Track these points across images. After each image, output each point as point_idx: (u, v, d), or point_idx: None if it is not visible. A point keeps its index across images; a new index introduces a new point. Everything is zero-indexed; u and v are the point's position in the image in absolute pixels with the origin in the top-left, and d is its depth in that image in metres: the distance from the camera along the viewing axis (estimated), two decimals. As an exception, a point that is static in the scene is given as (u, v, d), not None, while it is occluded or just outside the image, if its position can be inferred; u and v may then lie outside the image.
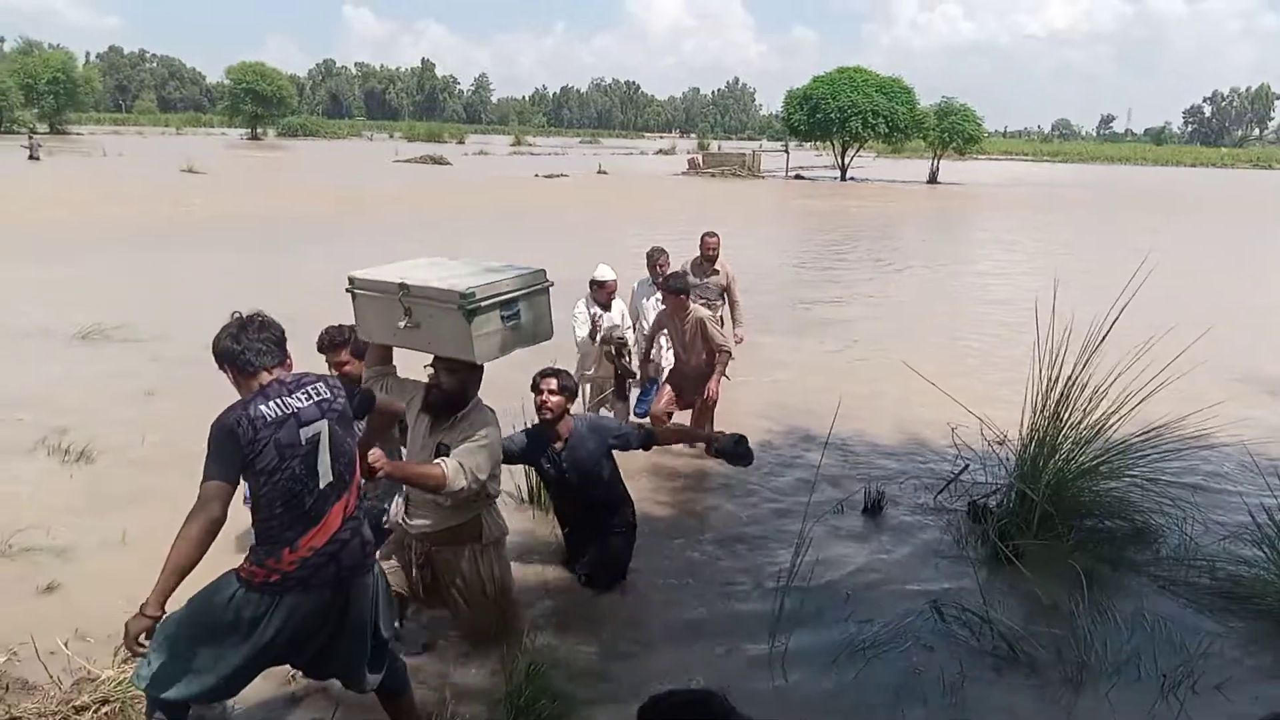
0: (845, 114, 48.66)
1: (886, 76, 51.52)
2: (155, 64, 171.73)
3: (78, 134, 75.00)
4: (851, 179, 49.10)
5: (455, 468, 3.68)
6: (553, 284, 3.98)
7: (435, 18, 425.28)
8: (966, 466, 6.17)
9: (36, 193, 23.85)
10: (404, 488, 4.09)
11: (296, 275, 13.41)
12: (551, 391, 4.64)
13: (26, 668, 3.80)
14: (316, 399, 2.98)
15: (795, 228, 26.10)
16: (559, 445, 4.70)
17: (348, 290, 3.91)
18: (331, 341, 4.54)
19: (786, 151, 55.58)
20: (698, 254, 8.08)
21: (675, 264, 7.93)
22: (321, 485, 2.93)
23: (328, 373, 4.15)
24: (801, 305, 13.34)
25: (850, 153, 51.46)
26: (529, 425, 4.89)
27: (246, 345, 2.94)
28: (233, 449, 2.79)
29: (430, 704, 3.60)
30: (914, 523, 5.77)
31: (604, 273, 6.95)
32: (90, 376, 8.31)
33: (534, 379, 4.72)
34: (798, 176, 49.75)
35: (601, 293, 6.90)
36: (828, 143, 52.60)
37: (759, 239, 21.32)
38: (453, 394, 3.86)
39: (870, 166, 58.09)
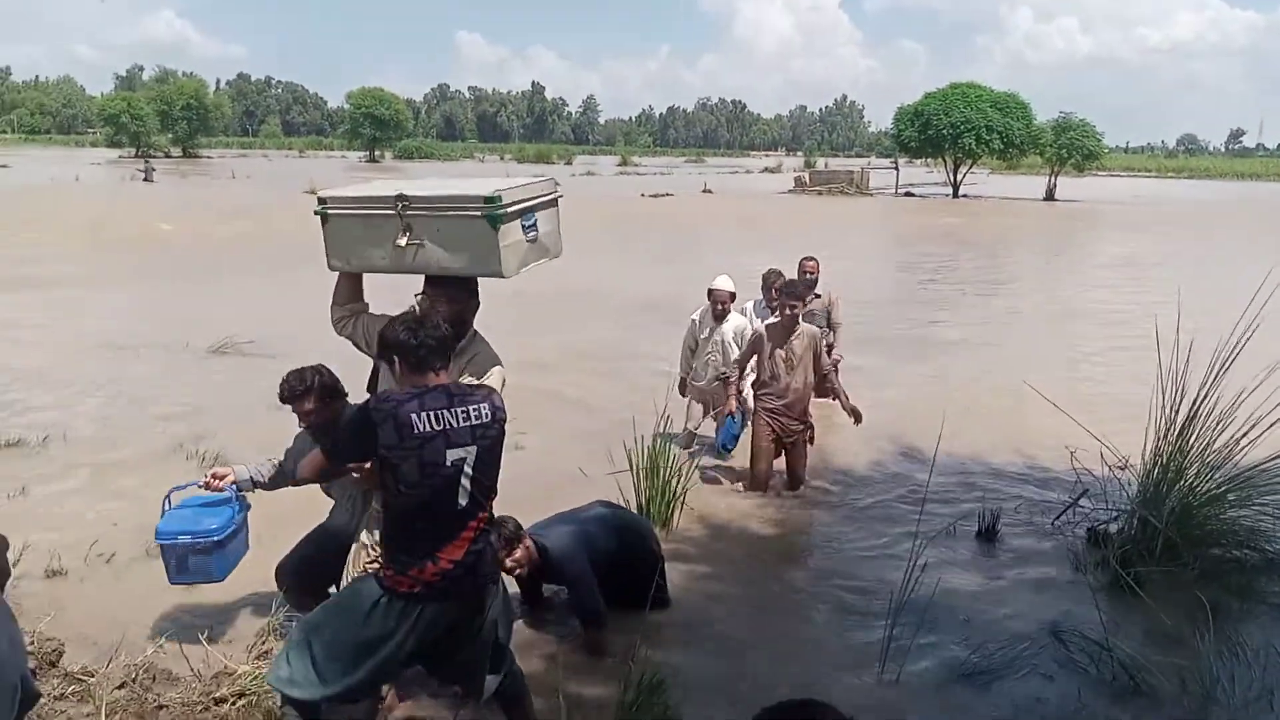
0: (958, 130, 47.70)
1: (1001, 91, 50.32)
2: (280, 90, 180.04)
3: (208, 157, 79.15)
4: (964, 196, 48.02)
5: None
6: (562, 194, 3.78)
7: (545, 44, 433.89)
8: (1086, 491, 6.00)
9: (161, 211, 25.22)
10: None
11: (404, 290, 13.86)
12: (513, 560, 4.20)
13: (171, 660, 4.04)
14: (473, 421, 2.95)
15: (904, 246, 25.69)
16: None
17: (316, 212, 3.57)
18: (293, 392, 4.01)
19: (896, 168, 54.73)
20: (796, 279, 8.06)
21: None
22: (460, 506, 2.97)
23: (298, 425, 4.08)
24: (910, 325, 13.14)
25: (963, 169, 50.38)
26: None
27: (421, 340, 2.96)
28: (362, 442, 2.86)
29: (546, 712, 3.68)
30: (1030, 547, 5.64)
31: (720, 282, 6.94)
32: (223, 388, 8.77)
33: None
34: (908, 194, 48.91)
35: (715, 303, 6.88)
36: (939, 159, 51.64)
37: (866, 257, 21.08)
38: (452, 324, 3.36)
39: (984, 183, 56.71)
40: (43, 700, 3.48)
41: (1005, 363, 10.59)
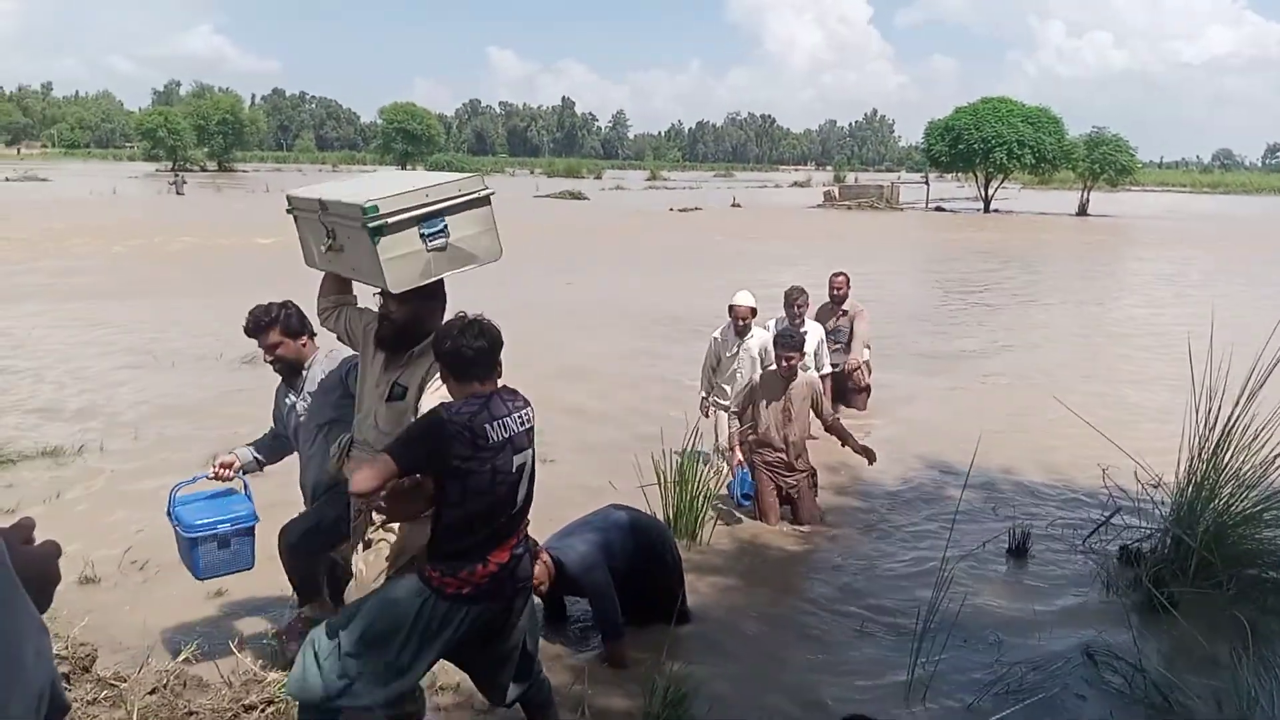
0: (989, 144, 47.51)
1: (1033, 106, 50.11)
2: (314, 105, 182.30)
3: (243, 171, 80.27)
4: (995, 211, 47.75)
5: None
6: (493, 192, 3.41)
7: (575, 58, 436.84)
8: (1118, 509, 5.92)
9: (192, 223, 25.56)
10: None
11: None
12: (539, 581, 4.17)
13: (201, 667, 4.08)
14: (527, 426, 3.04)
15: (934, 260, 25.56)
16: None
17: (288, 211, 3.62)
18: (257, 324, 4.04)
19: (926, 183, 54.55)
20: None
21: (814, 302, 7.91)
22: (516, 509, 3.04)
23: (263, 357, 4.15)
24: (939, 340, 13.05)
25: (994, 184, 50.11)
26: None
27: (473, 350, 2.96)
28: (434, 450, 2.85)
29: (570, 722, 3.69)
30: (1062, 565, 5.57)
31: (741, 298, 6.84)
32: (253, 397, 8.85)
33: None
34: (938, 208, 48.71)
35: (736, 319, 6.80)
36: (970, 174, 51.40)
37: (896, 272, 20.99)
38: (405, 326, 3.37)
39: (1015, 198, 56.37)
40: (75, 705, 3.53)
41: (1036, 379, 10.49)
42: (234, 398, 8.77)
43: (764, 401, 6.09)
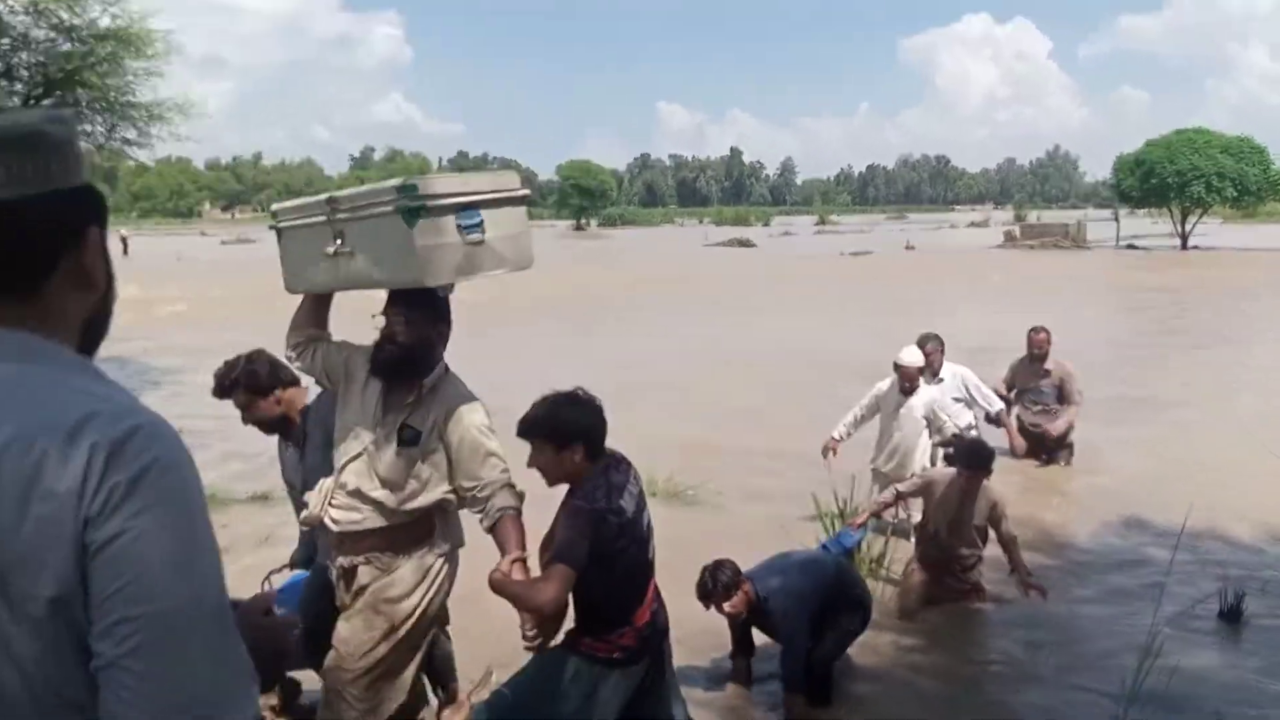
0: (1185, 178, 44.56)
1: (1234, 136, 46.80)
2: (495, 165, 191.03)
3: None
4: (1194, 248, 44.64)
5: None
6: (528, 193, 3.10)
7: (742, 107, 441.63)
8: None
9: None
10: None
11: (610, 351, 14.28)
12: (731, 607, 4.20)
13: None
14: (639, 482, 3.05)
15: (1126, 301, 24.09)
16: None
17: (271, 227, 3.30)
18: (220, 386, 3.68)
19: (1116, 220, 51.68)
20: (1025, 352, 7.68)
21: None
22: (649, 567, 3.07)
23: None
24: (1134, 387, 12.24)
25: (1191, 219, 46.97)
26: None
27: (604, 424, 2.95)
28: (595, 537, 2.83)
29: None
30: (1283, 631, 5.09)
31: (907, 356, 6.38)
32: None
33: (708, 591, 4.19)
34: (1130, 246, 45.99)
35: (904, 379, 6.35)
36: (1164, 209, 48.40)
37: (1084, 316, 19.92)
38: (412, 349, 2.94)
39: (1216, 234, 52.54)
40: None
41: (1243, 428, 9.68)
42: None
43: (936, 506, 5.42)
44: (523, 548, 2.89)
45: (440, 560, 3.08)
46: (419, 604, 3.02)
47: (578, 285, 25.41)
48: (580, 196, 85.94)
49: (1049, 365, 7.80)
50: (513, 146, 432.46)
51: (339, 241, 2.90)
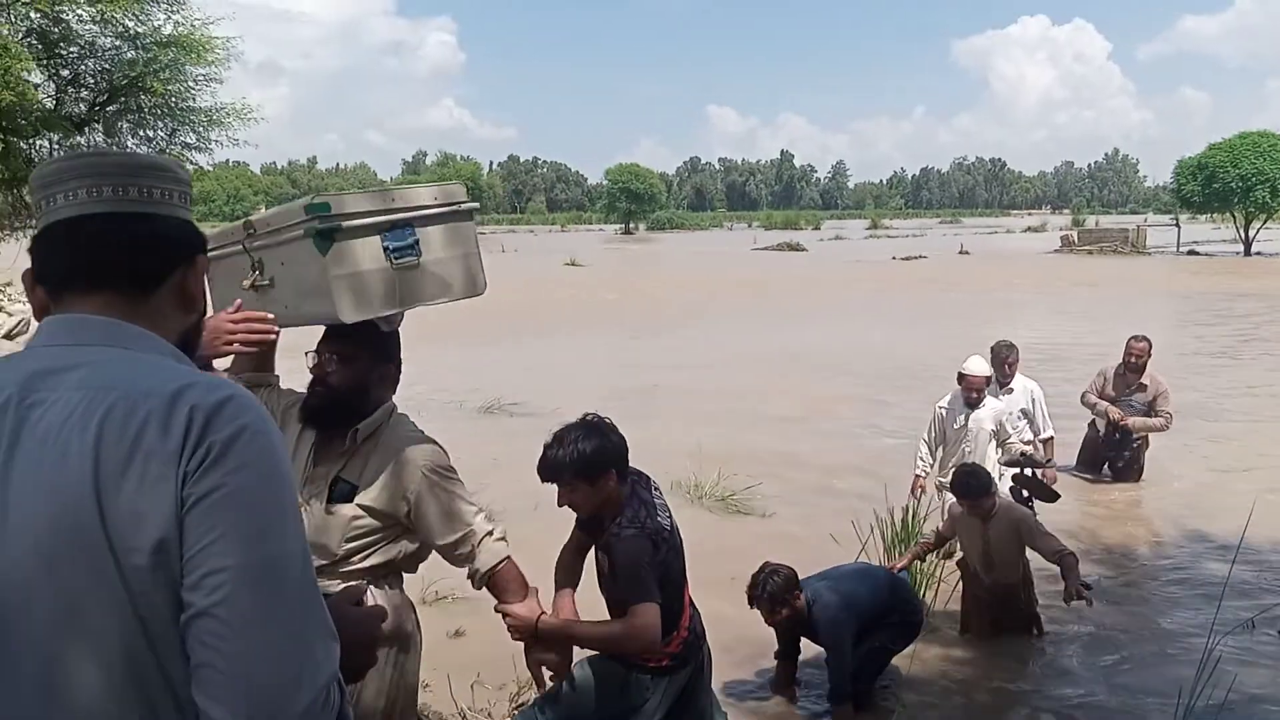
0: (1249, 183, 43.38)
1: (1300, 138, 45.50)
2: (545, 169, 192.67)
3: (481, 233, 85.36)
4: (1258, 254, 43.46)
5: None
6: (476, 205, 2.63)
7: (794, 110, 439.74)
8: None
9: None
10: None
11: (659, 354, 14.28)
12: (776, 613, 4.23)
13: (440, 704, 4.29)
14: (658, 488, 3.07)
15: (1188, 308, 23.52)
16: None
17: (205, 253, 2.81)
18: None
19: (1177, 225, 50.53)
20: (1120, 361, 7.50)
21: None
22: (685, 573, 3.09)
23: None
24: (1197, 396, 11.96)
25: (1256, 225, 45.71)
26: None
27: (619, 443, 2.92)
28: (654, 564, 2.83)
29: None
30: (1349, 650, 4.92)
31: (973, 365, 6.12)
32: (493, 445, 9.34)
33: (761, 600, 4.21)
34: (1191, 252, 44.93)
35: (969, 389, 6.11)
36: (1226, 215, 47.17)
37: (1145, 322, 19.47)
38: (345, 392, 2.49)
39: (1280, 239, 51.19)
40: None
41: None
42: (471, 445, 9.28)
43: (964, 538, 5.15)
44: (526, 587, 2.59)
45: (392, 651, 2.48)
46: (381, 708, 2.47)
47: (629, 290, 25.44)
48: (629, 200, 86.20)
49: (1145, 379, 7.54)
50: (564, 150, 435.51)
51: (256, 273, 2.45)
